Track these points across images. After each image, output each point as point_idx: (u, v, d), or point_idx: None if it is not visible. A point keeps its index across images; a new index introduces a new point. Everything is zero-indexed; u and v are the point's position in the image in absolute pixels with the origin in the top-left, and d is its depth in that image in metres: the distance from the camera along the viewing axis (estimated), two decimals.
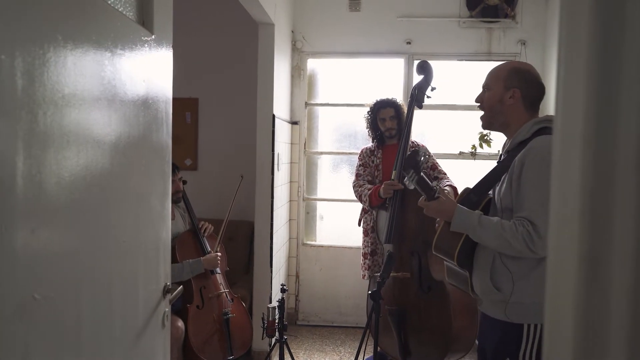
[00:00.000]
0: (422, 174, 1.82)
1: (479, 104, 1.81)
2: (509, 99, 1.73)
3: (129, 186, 1.26)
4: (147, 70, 1.34)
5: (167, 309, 1.51)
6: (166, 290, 1.50)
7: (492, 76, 1.78)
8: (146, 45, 1.31)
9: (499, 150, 4.23)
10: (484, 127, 1.84)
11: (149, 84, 1.34)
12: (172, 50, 1.50)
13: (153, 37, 1.35)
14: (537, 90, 1.76)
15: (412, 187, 1.83)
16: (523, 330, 1.64)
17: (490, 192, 1.80)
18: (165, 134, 1.47)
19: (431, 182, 1.78)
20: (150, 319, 1.39)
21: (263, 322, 2.99)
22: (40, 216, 0.90)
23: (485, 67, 4.18)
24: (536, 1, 4.06)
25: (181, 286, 1.57)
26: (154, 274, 1.43)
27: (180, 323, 2.80)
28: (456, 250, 1.71)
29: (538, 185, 1.57)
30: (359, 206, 3.65)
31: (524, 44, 4.05)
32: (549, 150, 1.55)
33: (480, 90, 1.82)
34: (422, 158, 1.85)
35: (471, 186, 1.84)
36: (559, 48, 0.62)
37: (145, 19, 1.33)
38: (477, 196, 1.77)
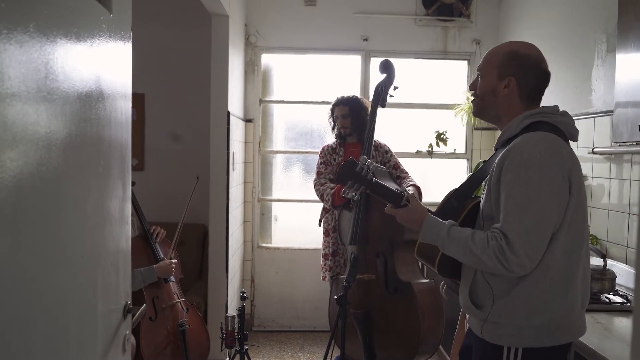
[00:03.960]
0: (374, 180, 1.61)
1: (472, 91, 1.61)
2: (503, 89, 1.51)
3: (86, 191, 1.07)
4: (106, 56, 1.14)
5: (127, 332, 1.32)
6: (127, 310, 1.31)
7: (487, 61, 1.56)
8: (104, 26, 1.11)
9: (454, 149, 4.26)
10: (475, 114, 1.63)
11: (109, 72, 1.15)
12: (131, 34, 1.30)
13: (111, 16, 1.16)
14: (536, 78, 1.51)
15: (356, 198, 1.65)
16: (503, 353, 1.46)
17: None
18: (125, 130, 1.28)
19: (397, 186, 1.61)
20: (111, 344, 1.20)
21: (222, 332, 2.81)
22: None
23: (441, 66, 4.24)
24: (490, 1, 4.10)
25: (144, 305, 1.39)
26: (113, 292, 1.24)
27: (131, 337, 2.56)
28: (437, 257, 1.55)
29: (512, 193, 1.37)
30: (314, 206, 3.52)
31: (479, 43, 4.08)
32: (530, 151, 1.38)
33: (475, 75, 1.61)
34: (365, 166, 1.62)
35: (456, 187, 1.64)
36: None
37: None
38: (459, 201, 1.58)
